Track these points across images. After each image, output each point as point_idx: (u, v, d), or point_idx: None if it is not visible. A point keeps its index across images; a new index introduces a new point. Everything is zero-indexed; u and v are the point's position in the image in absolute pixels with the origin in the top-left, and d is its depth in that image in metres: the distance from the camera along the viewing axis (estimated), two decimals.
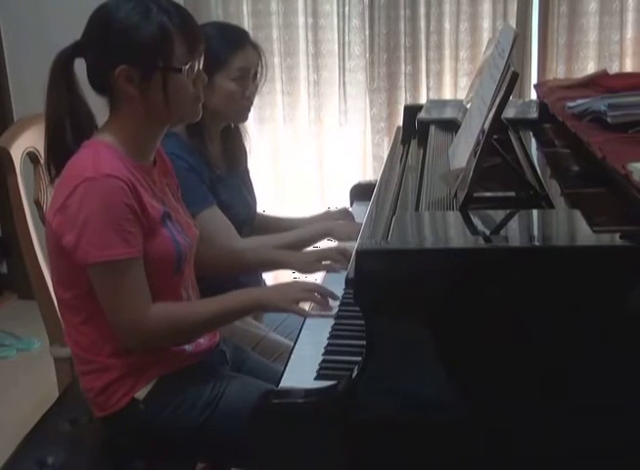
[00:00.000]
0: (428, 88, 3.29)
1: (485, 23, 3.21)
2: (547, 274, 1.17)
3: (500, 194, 1.50)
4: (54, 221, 1.43)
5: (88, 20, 1.48)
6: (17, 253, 2.13)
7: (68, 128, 1.48)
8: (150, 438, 1.53)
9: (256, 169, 3.38)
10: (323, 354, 1.45)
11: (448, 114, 2.15)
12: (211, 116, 1.86)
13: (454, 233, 1.34)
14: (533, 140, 1.90)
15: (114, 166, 1.42)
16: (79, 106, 1.49)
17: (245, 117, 1.98)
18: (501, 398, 1.21)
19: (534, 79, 3.20)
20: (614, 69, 3.10)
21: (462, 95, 3.04)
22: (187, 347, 1.57)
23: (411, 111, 2.29)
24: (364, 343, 1.22)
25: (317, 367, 1.40)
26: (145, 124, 1.49)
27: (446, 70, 3.28)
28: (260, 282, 2.09)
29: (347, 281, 1.52)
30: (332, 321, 1.59)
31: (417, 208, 1.53)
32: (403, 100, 3.29)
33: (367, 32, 3.26)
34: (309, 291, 1.54)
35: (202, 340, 1.61)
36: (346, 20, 3.26)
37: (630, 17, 3.12)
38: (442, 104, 2.42)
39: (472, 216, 1.34)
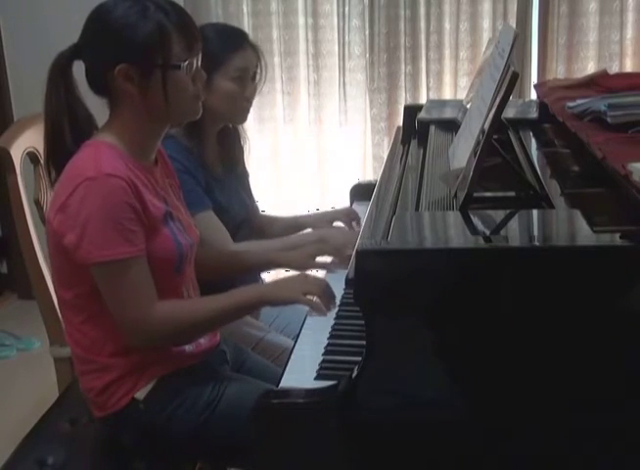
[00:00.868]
0: (428, 88, 3.29)
1: (485, 23, 3.22)
2: (547, 274, 1.17)
3: (500, 194, 1.50)
4: (55, 221, 1.43)
5: (86, 20, 1.48)
6: (17, 253, 2.13)
7: (67, 131, 1.48)
8: (150, 438, 1.53)
9: (256, 169, 3.39)
10: (323, 354, 1.45)
11: (448, 114, 2.15)
12: (210, 116, 1.86)
13: (454, 233, 1.34)
14: (533, 140, 1.90)
15: (115, 166, 1.42)
16: (78, 108, 1.50)
17: (244, 118, 1.98)
18: (501, 397, 1.21)
19: (534, 79, 3.20)
20: (614, 69, 3.10)
21: (462, 95, 3.04)
22: (187, 347, 1.57)
23: (411, 111, 2.29)
24: (364, 343, 1.22)
25: (317, 367, 1.40)
26: (145, 123, 1.49)
27: (446, 70, 3.28)
28: (258, 282, 2.09)
29: (347, 281, 1.52)
30: (332, 321, 1.59)
31: (417, 208, 1.53)
32: (403, 100, 3.30)
33: (367, 32, 3.27)
34: (313, 284, 1.54)
35: (202, 340, 1.61)
36: (346, 20, 3.26)
37: (630, 17, 3.12)
38: (442, 104, 2.42)
39: (472, 216, 1.34)
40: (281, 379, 1.39)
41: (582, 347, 1.18)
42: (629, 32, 3.14)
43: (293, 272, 1.75)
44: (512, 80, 1.35)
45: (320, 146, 3.43)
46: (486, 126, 1.39)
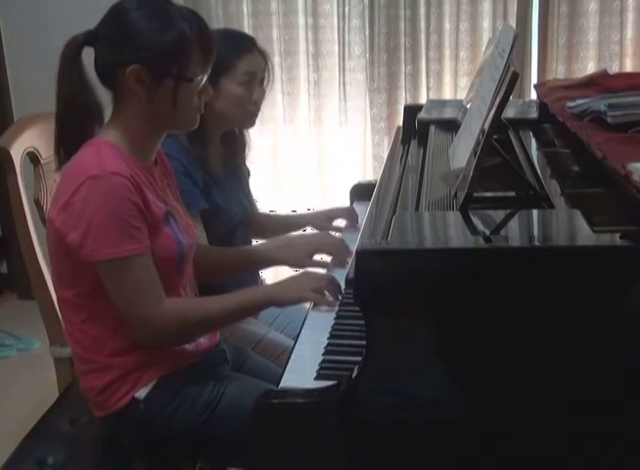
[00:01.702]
0: (428, 88, 3.29)
1: (485, 23, 3.22)
2: (547, 274, 1.17)
3: (500, 194, 1.50)
4: (57, 219, 1.43)
5: (107, 12, 1.47)
6: (17, 253, 2.14)
7: (78, 115, 1.47)
8: (150, 438, 1.53)
9: (256, 169, 3.38)
10: (323, 354, 1.45)
11: (448, 114, 2.15)
12: (216, 120, 1.87)
13: (454, 233, 1.34)
14: (533, 140, 1.90)
15: (117, 165, 1.42)
16: (89, 92, 1.49)
17: (252, 122, 1.97)
18: (501, 397, 1.21)
19: (534, 79, 3.20)
20: (614, 69, 3.10)
21: (462, 95, 3.04)
22: (187, 346, 1.57)
23: (411, 111, 2.30)
24: (364, 343, 1.22)
25: (317, 367, 1.40)
26: (147, 125, 1.50)
27: (446, 70, 3.28)
28: (257, 281, 2.09)
29: (347, 281, 1.53)
30: (332, 321, 1.59)
31: (417, 208, 1.53)
32: (403, 100, 3.30)
33: (367, 32, 3.27)
34: (319, 280, 1.55)
35: (202, 339, 1.61)
36: (346, 20, 3.26)
37: (630, 17, 3.12)
38: (442, 104, 2.42)
39: (472, 216, 1.34)
40: (281, 379, 1.39)
41: (582, 347, 1.18)
42: (629, 32, 3.14)
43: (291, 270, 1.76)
44: (512, 80, 1.35)
45: (320, 146, 3.43)
46: (486, 126, 1.39)
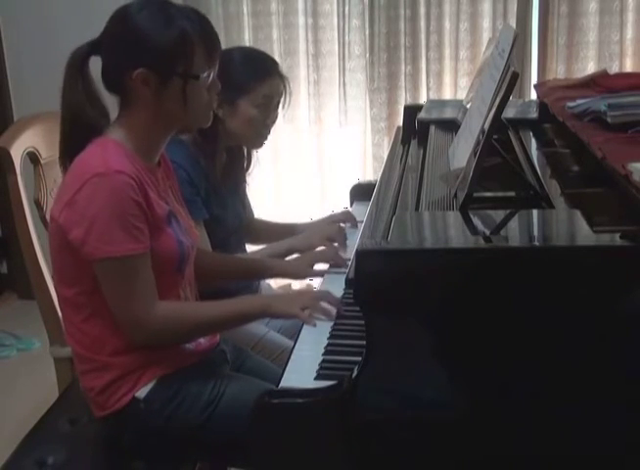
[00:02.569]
0: (428, 88, 3.29)
1: (485, 23, 3.22)
2: (547, 274, 1.17)
3: (500, 194, 1.50)
4: (61, 216, 1.43)
5: (109, 19, 1.48)
6: (17, 253, 2.13)
7: (83, 124, 1.48)
8: (150, 437, 1.53)
9: (256, 169, 3.39)
10: (323, 354, 1.45)
11: (448, 114, 2.15)
12: (228, 136, 1.89)
13: (454, 233, 1.34)
14: (533, 140, 1.90)
15: (122, 163, 1.42)
16: (95, 101, 1.49)
17: (261, 144, 1.99)
18: (501, 397, 1.21)
19: (534, 79, 3.20)
20: (614, 69, 3.10)
21: (462, 95, 3.04)
22: (187, 346, 1.58)
23: (411, 111, 2.30)
24: (364, 343, 1.22)
25: (317, 367, 1.40)
26: (155, 126, 1.50)
27: (446, 70, 3.28)
28: (255, 288, 2.10)
29: (347, 281, 1.53)
30: (332, 321, 1.59)
31: (417, 208, 1.53)
32: (403, 100, 3.30)
33: (367, 32, 3.27)
34: (318, 299, 1.55)
35: (202, 339, 1.61)
36: (346, 20, 3.26)
37: (630, 17, 3.13)
38: (442, 104, 2.42)
39: (472, 216, 1.34)
40: (281, 379, 1.39)
41: (582, 347, 1.18)
42: (629, 32, 3.14)
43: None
44: (512, 80, 1.35)
45: (320, 146, 3.43)
46: (486, 126, 1.40)
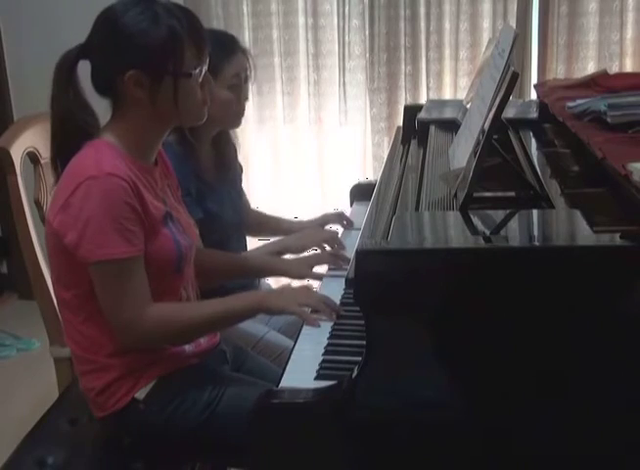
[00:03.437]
0: (428, 88, 3.29)
1: (485, 23, 3.22)
2: (547, 274, 1.17)
3: (500, 194, 1.50)
4: (55, 220, 1.43)
5: (94, 22, 1.47)
6: (17, 253, 2.13)
7: (73, 129, 1.48)
8: (150, 438, 1.53)
9: (256, 169, 3.40)
10: (323, 354, 1.45)
11: (448, 114, 2.15)
12: (206, 123, 1.87)
13: (454, 233, 1.34)
14: (533, 140, 1.90)
15: (116, 166, 1.42)
16: (84, 107, 1.49)
17: (239, 123, 1.98)
18: (501, 398, 1.21)
19: (534, 79, 3.20)
20: (614, 69, 3.10)
21: (462, 95, 3.04)
22: (187, 347, 1.57)
23: (411, 111, 2.30)
24: (364, 343, 1.22)
25: (317, 367, 1.40)
26: (150, 126, 1.50)
27: (446, 70, 3.28)
28: (256, 287, 2.10)
29: (347, 281, 1.53)
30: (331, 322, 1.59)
31: (417, 208, 1.53)
32: (403, 100, 3.30)
33: (367, 32, 3.27)
34: (311, 298, 1.55)
35: (202, 340, 1.61)
36: (346, 20, 3.26)
37: (630, 17, 3.12)
38: (442, 104, 2.42)
39: (472, 216, 1.34)
40: (281, 379, 1.39)
41: (583, 347, 1.18)
42: (629, 32, 3.14)
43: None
44: (512, 80, 1.35)
45: (320, 146, 3.43)
46: (486, 126, 1.39)
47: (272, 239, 2.09)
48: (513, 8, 3.17)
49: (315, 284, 1.86)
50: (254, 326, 1.96)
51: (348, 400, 1.22)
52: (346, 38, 3.28)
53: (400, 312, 1.20)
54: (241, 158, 2.16)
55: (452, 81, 3.29)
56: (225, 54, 1.87)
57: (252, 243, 2.15)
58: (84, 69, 1.49)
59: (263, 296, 1.60)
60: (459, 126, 1.79)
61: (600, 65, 3.10)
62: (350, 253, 1.80)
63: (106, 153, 1.44)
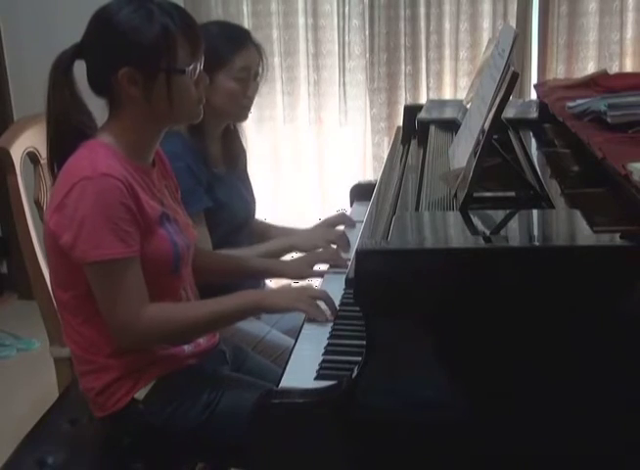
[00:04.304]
0: (428, 88, 3.29)
1: (485, 23, 3.22)
2: (547, 274, 1.17)
3: (500, 194, 1.50)
4: (51, 221, 1.43)
5: (89, 22, 1.48)
6: (17, 253, 2.13)
7: (69, 130, 1.48)
8: (150, 438, 1.53)
9: (256, 169, 3.39)
10: (323, 354, 1.45)
11: (448, 114, 2.15)
12: (213, 115, 1.87)
13: (454, 233, 1.34)
14: (533, 140, 1.90)
15: (111, 166, 1.42)
16: (80, 107, 1.50)
17: (245, 116, 1.98)
18: (501, 398, 1.21)
19: (534, 79, 3.20)
20: (614, 69, 3.10)
21: (462, 95, 3.04)
22: (186, 347, 1.57)
23: (411, 111, 2.29)
24: (364, 343, 1.22)
25: (317, 367, 1.40)
26: (146, 125, 1.50)
27: (446, 70, 3.28)
28: (261, 286, 2.10)
29: (347, 281, 1.53)
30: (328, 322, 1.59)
31: (417, 208, 1.53)
32: (403, 100, 3.30)
33: (367, 32, 3.27)
34: (314, 297, 1.55)
35: (201, 340, 1.61)
36: (346, 20, 3.26)
37: (630, 17, 3.13)
38: (442, 104, 2.42)
39: (472, 216, 1.34)
40: (281, 379, 1.38)
41: (583, 347, 1.18)
42: (629, 32, 3.14)
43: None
44: (512, 80, 1.35)
45: (320, 146, 3.43)
46: (486, 126, 1.39)
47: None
48: (513, 8, 3.18)
49: (316, 283, 1.86)
50: (256, 326, 1.96)
51: (348, 401, 1.22)
52: (346, 38, 3.28)
53: (400, 312, 1.20)
54: None
55: (452, 81, 3.29)
56: (235, 46, 1.88)
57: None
58: (82, 71, 1.49)
59: (262, 295, 1.60)
60: (459, 126, 1.78)
61: (600, 65, 3.10)
62: (351, 252, 1.80)
63: (100, 153, 1.44)
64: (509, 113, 2.05)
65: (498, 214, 1.35)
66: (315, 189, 3.46)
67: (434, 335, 1.20)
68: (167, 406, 1.52)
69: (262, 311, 1.59)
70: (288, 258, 1.97)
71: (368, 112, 3.36)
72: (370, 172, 3.38)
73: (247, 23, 3.28)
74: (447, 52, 3.26)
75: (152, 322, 1.46)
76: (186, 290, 1.59)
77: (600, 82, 2.15)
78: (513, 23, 3.15)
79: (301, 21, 3.30)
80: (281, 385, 1.36)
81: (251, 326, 1.94)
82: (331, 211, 2.30)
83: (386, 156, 2.43)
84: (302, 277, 1.85)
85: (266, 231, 2.18)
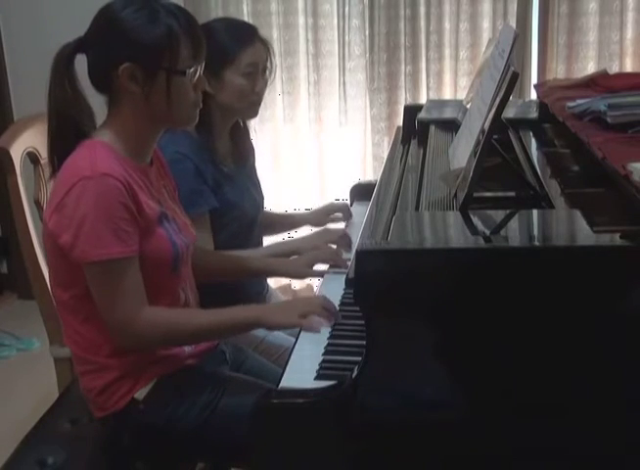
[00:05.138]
0: (428, 88, 3.29)
1: (485, 23, 3.22)
2: (547, 274, 1.17)
3: (500, 194, 1.50)
4: (51, 221, 1.43)
5: (94, 17, 1.48)
6: (17, 253, 2.13)
7: (70, 123, 1.48)
8: (150, 438, 1.53)
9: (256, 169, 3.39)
10: (323, 354, 1.45)
11: (448, 114, 2.15)
12: (221, 111, 1.87)
13: (454, 233, 1.34)
14: (533, 140, 1.90)
15: (110, 166, 1.42)
16: (81, 100, 1.49)
17: (254, 113, 1.98)
18: (502, 398, 1.21)
19: (534, 79, 3.21)
20: (614, 69, 3.10)
21: (462, 95, 3.04)
22: (186, 347, 1.57)
23: (411, 111, 2.30)
24: (364, 343, 1.22)
25: (317, 367, 1.40)
26: (144, 124, 1.49)
27: (446, 70, 3.29)
28: (263, 285, 2.10)
29: (347, 281, 1.53)
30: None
31: (417, 208, 1.53)
32: (403, 100, 3.30)
33: (367, 32, 3.27)
34: (314, 306, 1.54)
35: None
36: (346, 20, 3.26)
37: (630, 17, 3.13)
38: (442, 104, 2.42)
39: (472, 216, 1.34)
40: (281, 379, 1.38)
41: (582, 347, 1.18)
42: (629, 32, 3.14)
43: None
44: (512, 80, 1.35)
45: (320, 146, 3.43)
46: (486, 126, 1.39)
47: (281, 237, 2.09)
48: (513, 8, 3.18)
49: (316, 282, 1.86)
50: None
51: (349, 401, 1.22)
52: (346, 38, 3.28)
53: (400, 312, 1.20)
54: None
55: (452, 81, 3.29)
56: (242, 42, 1.87)
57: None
58: (83, 70, 1.49)
59: (265, 310, 1.57)
60: (459, 126, 1.79)
61: (600, 65, 3.11)
62: (351, 252, 1.80)
63: (100, 153, 1.44)
64: (509, 113, 2.06)
65: (498, 214, 1.35)
66: (315, 189, 3.46)
67: (434, 335, 1.20)
68: (167, 406, 1.52)
69: (263, 327, 1.57)
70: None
71: (368, 112, 3.37)
72: (370, 172, 3.38)
73: None
74: (447, 52, 3.26)
75: (150, 324, 1.46)
76: (185, 290, 1.59)
77: (600, 82, 2.15)
78: (513, 23, 3.16)
79: (301, 20, 3.30)
80: (281, 385, 1.36)
81: None
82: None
83: (386, 156, 2.43)
84: (302, 277, 1.85)
85: (275, 220, 2.21)
